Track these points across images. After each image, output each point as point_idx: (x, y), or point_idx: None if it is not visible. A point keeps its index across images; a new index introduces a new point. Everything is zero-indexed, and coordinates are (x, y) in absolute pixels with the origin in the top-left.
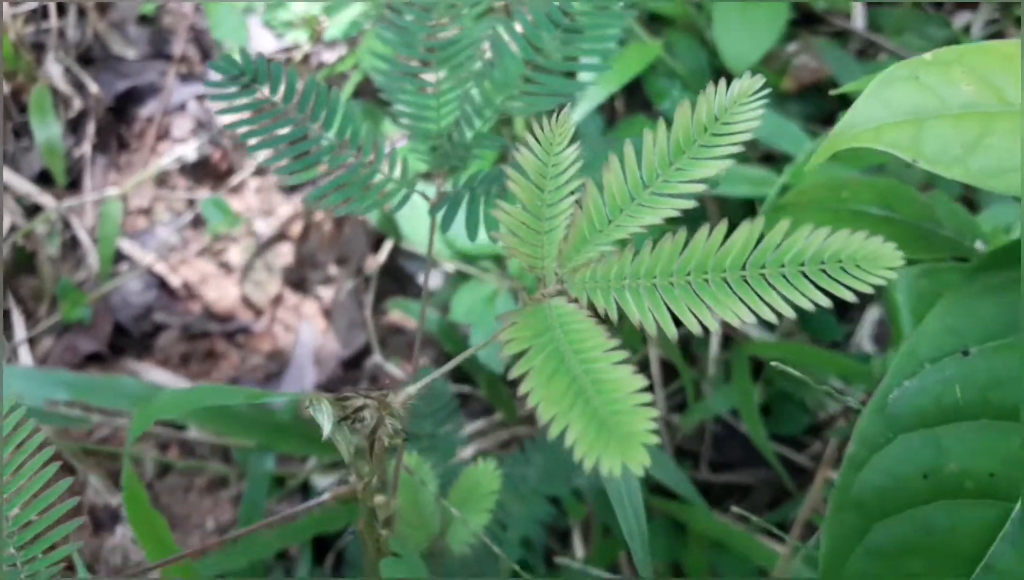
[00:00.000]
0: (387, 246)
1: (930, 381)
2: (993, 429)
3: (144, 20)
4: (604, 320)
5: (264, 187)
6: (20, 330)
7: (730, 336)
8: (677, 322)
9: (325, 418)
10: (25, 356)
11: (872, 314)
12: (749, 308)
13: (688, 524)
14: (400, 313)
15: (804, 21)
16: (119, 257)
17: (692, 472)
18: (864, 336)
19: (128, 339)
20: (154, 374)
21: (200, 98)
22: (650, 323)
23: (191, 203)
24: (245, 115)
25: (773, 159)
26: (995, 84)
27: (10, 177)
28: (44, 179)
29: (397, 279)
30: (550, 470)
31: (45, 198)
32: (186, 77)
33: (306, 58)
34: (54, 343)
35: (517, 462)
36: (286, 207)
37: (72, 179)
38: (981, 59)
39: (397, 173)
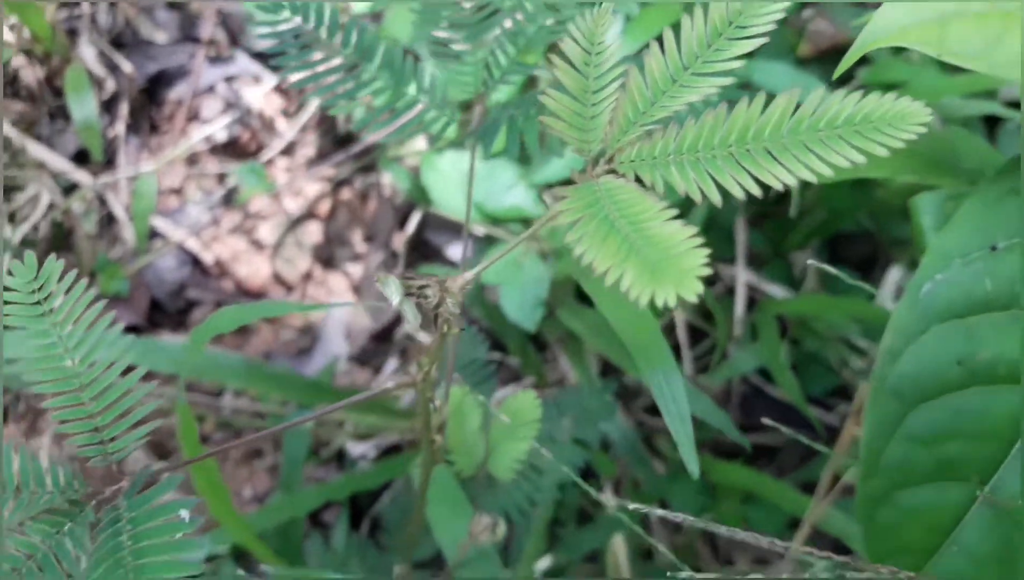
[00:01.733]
0: (414, 220)
1: (960, 275)
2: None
3: (173, 5)
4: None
5: (292, 167)
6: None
7: (755, 298)
8: (723, 193)
9: (393, 290)
10: None
11: (894, 275)
12: (789, 171)
13: (719, 477)
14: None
15: None
16: (153, 234)
17: (719, 434)
18: (887, 296)
19: (164, 314)
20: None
21: (229, 80)
22: (695, 192)
23: (222, 180)
24: (292, 50)
25: None
26: None
27: (47, 156)
28: (80, 159)
29: (425, 254)
30: (581, 419)
31: (81, 175)
32: (214, 60)
33: None
34: None
35: (549, 414)
36: (314, 186)
37: (107, 159)
38: None
39: (438, 102)
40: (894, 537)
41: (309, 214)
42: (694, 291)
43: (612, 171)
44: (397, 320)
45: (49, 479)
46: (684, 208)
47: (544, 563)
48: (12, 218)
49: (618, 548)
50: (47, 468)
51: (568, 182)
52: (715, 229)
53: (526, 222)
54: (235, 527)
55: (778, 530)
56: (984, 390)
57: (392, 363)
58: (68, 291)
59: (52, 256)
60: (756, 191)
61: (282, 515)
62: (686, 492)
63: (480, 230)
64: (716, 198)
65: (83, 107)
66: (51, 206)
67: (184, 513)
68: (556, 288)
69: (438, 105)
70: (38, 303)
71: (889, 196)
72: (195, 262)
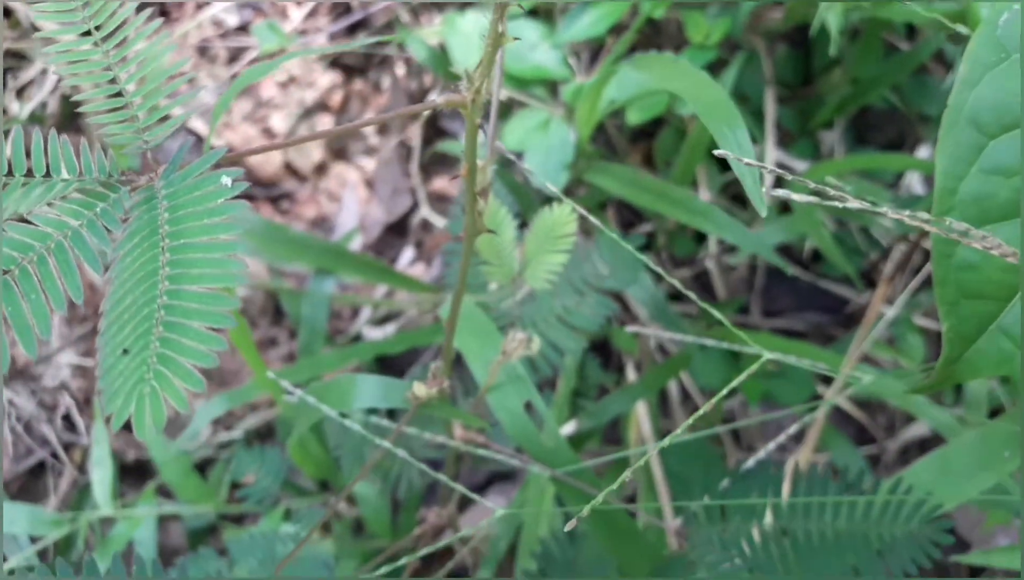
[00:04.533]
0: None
1: None
2: None
3: None
4: None
5: (305, 59)
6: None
7: (782, 179)
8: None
9: None
10: None
11: (922, 152)
12: None
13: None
14: (445, 182)
15: None
16: (164, 118)
17: (742, 317)
18: (915, 179)
19: None
20: None
21: None
22: None
23: (233, 63)
24: None
25: None
26: None
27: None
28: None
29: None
30: (613, 267)
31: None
32: None
33: None
34: None
35: (579, 261)
36: (326, 77)
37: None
38: None
39: None
40: (970, 279)
41: (321, 105)
42: None
43: None
44: (411, 211)
45: (80, 162)
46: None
47: (568, 429)
48: (20, 94)
49: (641, 413)
50: (78, 151)
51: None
52: (744, 107)
53: (550, 84)
54: (261, 375)
55: (802, 401)
56: None
57: (408, 253)
58: None
59: None
60: None
61: (305, 374)
62: (710, 363)
63: (503, 94)
64: None
65: None
66: (60, 81)
67: (226, 180)
68: (580, 152)
69: None
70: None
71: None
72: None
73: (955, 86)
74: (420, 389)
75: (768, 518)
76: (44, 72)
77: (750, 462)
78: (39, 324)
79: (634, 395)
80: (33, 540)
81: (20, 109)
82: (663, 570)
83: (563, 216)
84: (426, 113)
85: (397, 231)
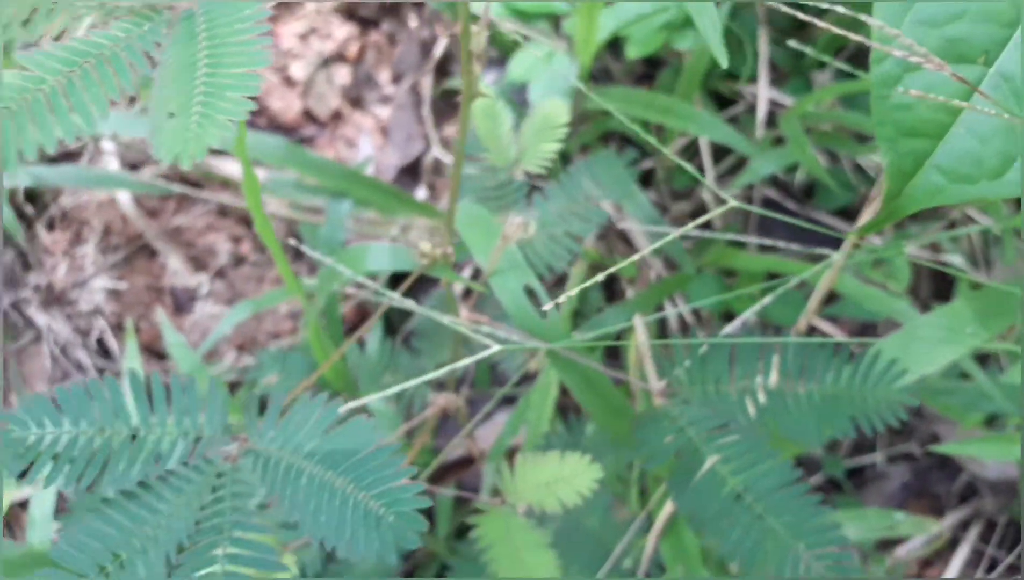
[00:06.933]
0: (440, 46)
1: None
2: None
3: None
4: None
5: (322, 10)
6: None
7: (775, 114)
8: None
9: None
10: (108, 145)
11: None
12: None
13: (739, 265)
14: (455, 127)
15: None
16: None
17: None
18: None
19: None
20: (227, 169)
21: None
22: None
23: None
24: None
25: None
26: None
27: None
28: None
29: (451, 93)
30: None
31: None
32: None
33: None
34: (133, 138)
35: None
36: (343, 29)
37: None
38: None
39: None
40: (906, 119)
41: (339, 56)
42: None
43: None
44: (424, 154)
45: None
46: None
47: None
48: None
49: (639, 326)
50: None
51: None
52: (739, 51)
53: (554, 20)
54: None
55: (792, 323)
56: None
57: (420, 193)
58: None
59: None
60: None
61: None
62: (705, 286)
63: (508, 27)
64: None
65: None
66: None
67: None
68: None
69: None
70: None
71: None
72: None
73: None
74: (426, 246)
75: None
76: None
77: (733, 324)
78: (97, 107)
79: (632, 309)
80: None
81: None
82: (644, 422)
83: (557, 108)
84: (437, 57)
85: (410, 173)
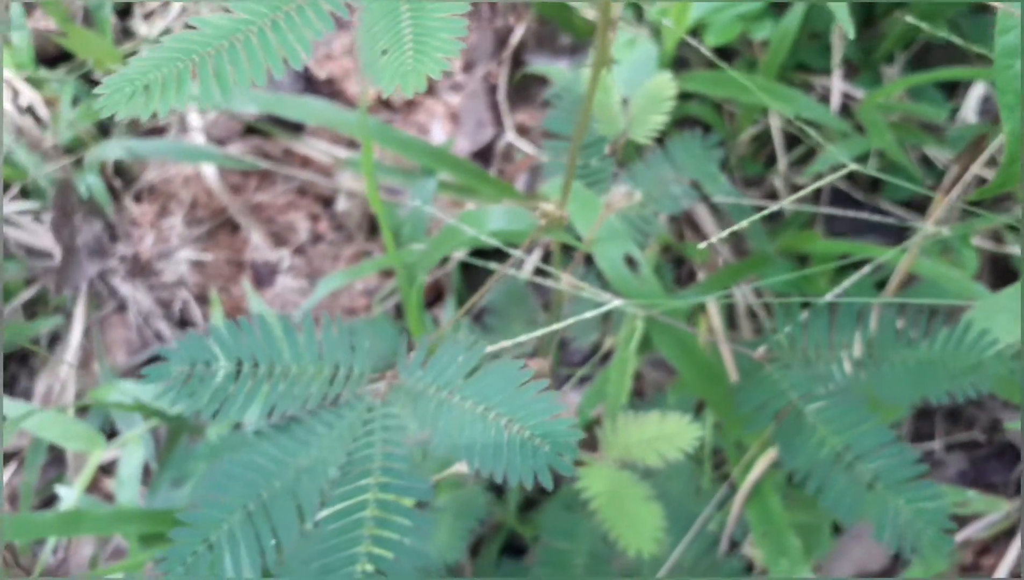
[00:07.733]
0: (517, 33)
1: None
2: None
3: None
4: None
5: None
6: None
7: (847, 106)
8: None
9: None
10: (195, 120)
11: (977, 90)
12: None
13: (813, 249)
14: (527, 115)
15: None
16: None
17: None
18: (970, 110)
19: (283, 124)
20: (306, 149)
21: None
22: None
23: None
24: None
25: None
26: None
27: None
28: None
29: (524, 82)
30: (693, 163)
31: None
32: None
33: None
34: (218, 115)
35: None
36: None
37: None
38: None
39: None
40: None
41: None
42: None
43: None
44: (496, 140)
45: None
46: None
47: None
48: (148, 16)
49: (712, 311)
50: None
51: None
52: (814, 43)
53: (637, 9)
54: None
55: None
56: None
57: None
58: None
59: None
60: None
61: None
62: (779, 273)
63: (590, 14)
64: None
65: None
66: (183, 11)
67: None
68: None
69: None
70: None
71: None
72: (308, 79)
73: None
74: (549, 206)
75: (856, 347)
76: (167, 3)
77: (829, 296)
78: (302, 45)
79: (705, 289)
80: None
81: (149, 29)
82: (744, 387)
83: (664, 83)
84: (513, 46)
85: (481, 159)
